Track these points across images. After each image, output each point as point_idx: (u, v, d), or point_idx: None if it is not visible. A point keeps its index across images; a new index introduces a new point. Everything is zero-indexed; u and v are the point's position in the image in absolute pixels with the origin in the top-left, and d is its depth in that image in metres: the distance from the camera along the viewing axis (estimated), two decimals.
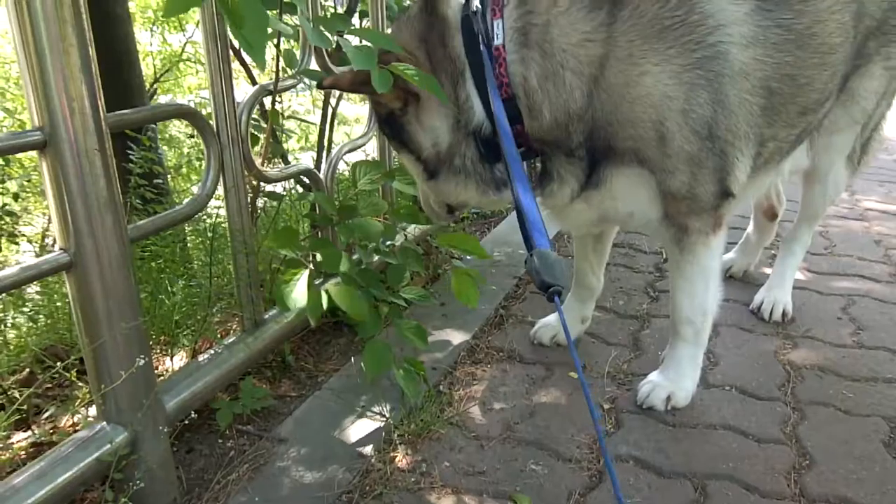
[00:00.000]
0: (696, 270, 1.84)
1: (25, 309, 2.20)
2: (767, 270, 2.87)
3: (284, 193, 2.43)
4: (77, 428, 1.73)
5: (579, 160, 1.68)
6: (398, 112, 1.69)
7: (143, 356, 1.44)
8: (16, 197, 2.84)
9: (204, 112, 1.76)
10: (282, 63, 1.85)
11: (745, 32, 1.61)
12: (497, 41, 1.59)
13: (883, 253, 3.11)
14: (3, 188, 2.81)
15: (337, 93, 3.02)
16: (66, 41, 1.19)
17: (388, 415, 1.88)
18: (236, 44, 2.33)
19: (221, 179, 1.75)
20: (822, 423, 1.88)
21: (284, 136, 2.86)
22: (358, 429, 1.84)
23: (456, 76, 1.62)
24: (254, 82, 2.44)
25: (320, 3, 2.01)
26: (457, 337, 2.30)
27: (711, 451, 1.77)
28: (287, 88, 1.90)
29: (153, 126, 2.76)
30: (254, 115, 2.59)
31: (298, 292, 1.75)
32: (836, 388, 2.05)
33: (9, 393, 1.76)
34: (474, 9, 1.59)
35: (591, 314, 2.32)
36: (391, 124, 1.74)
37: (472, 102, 1.62)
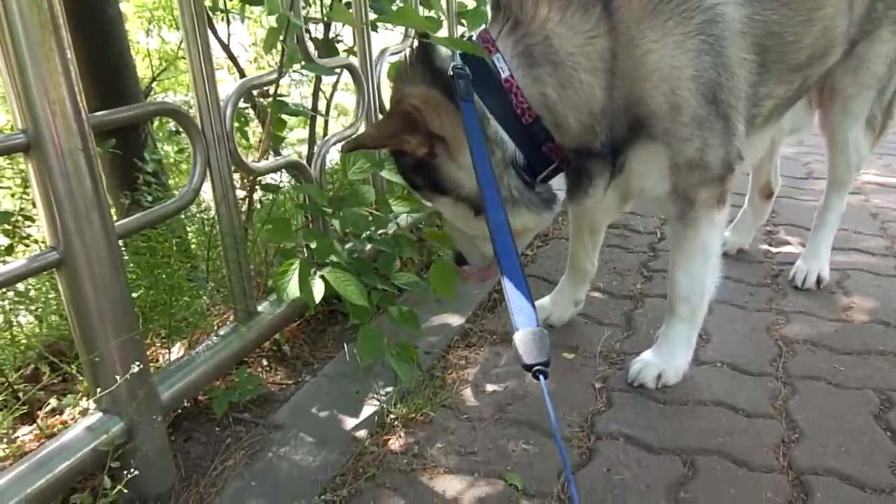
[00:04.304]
0: (697, 247, 1.86)
1: (33, 307, 2.25)
2: (763, 247, 2.89)
3: (282, 185, 2.46)
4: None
5: (604, 156, 1.71)
6: (427, 157, 1.69)
7: (138, 363, 1.45)
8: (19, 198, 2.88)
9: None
10: (271, 57, 1.88)
11: None
12: (504, 74, 1.61)
13: (879, 226, 3.10)
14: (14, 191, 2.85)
15: (331, 84, 3.06)
16: (46, 46, 1.21)
17: (382, 399, 1.91)
18: (224, 39, 2.38)
19: (209, 174, 1.78)
20: (813, 397, 1.90)
21: (286, 128, 2.89)
22: (352, 414, 1.88)
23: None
24: (243, 75, 2.48)
25: None
26: (451, 321, 2.33)
27: (701, 427, 1.79)
28: (271, 83, 1.92)
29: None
30: (248, 108, 2.64)
31: (294, 283, 1.79)
32: (828, 362, 2.06)
33: (15, 389, 1.80)
34: (459, 65, 1.59)
35: (583, 297, 2.34)
36: (421, 171, 1.74)
37: (501, 136, 1.64)
